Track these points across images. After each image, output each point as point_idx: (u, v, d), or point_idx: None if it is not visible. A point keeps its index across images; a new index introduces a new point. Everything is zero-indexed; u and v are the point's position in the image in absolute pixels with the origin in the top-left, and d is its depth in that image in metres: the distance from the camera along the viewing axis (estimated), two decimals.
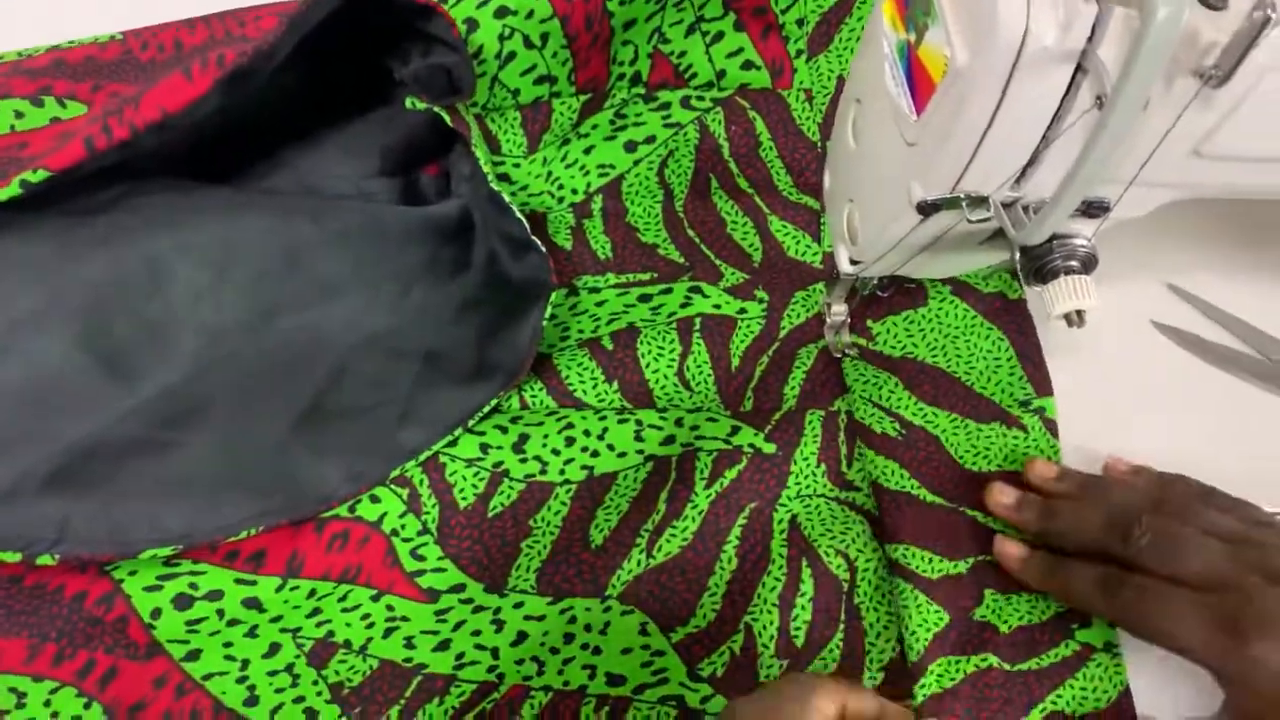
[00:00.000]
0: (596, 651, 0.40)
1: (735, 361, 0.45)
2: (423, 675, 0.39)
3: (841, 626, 0.41)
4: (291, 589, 0.39)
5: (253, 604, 0.38)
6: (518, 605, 0.40)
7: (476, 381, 0.43)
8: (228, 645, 0.38)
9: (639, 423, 0.43)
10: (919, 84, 0.30)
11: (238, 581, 0.38)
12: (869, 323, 0.46)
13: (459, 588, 0.40)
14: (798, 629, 0.40)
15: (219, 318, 0.39)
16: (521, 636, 0.40)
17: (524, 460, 0.42)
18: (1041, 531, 0.39)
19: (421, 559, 0.40)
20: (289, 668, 0.39)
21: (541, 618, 0.40)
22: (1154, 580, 0.34)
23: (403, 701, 0.39)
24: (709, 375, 0.45)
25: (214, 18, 0.47)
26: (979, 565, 0.40)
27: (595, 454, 0.42)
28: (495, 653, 0.40)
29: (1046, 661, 0.40)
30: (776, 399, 0.45)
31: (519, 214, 0.42)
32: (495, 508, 0.41)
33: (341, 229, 0.42)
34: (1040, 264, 0.33)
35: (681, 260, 0.47)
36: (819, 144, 0.48)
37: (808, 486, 0.43)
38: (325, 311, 0.41)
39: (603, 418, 0.43)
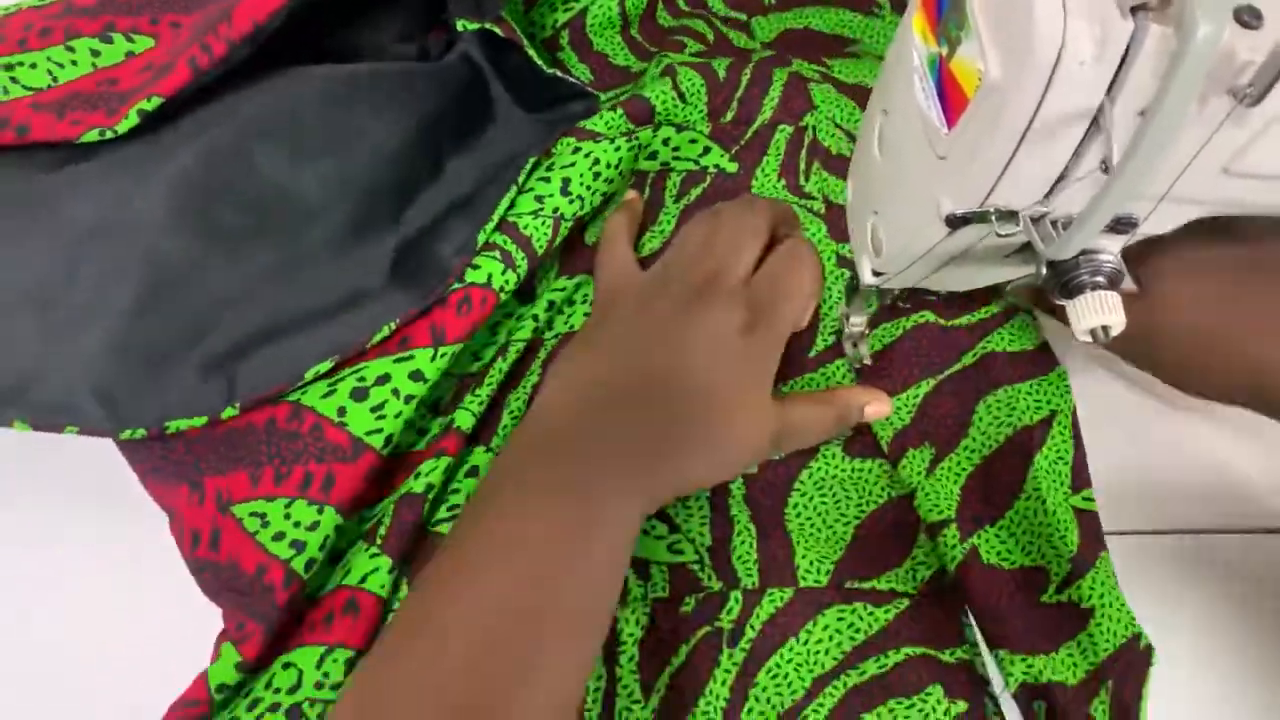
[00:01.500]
0: None
1: (721, 72, 0.51)
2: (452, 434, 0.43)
3: None
4: (442, 355, 0.42)
5: (417, 376, 0.41)
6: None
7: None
8: (410, 423, 0.43)
9: (638, 144, 0.49)
10: (950, 97, 0.30)
11: (396, 361, 0.41)
12: (825, 59, 0.54)
13: None
14: None
15: (300, 186, 0.44)
16: None
17: (570, 201, 0.46)
18: None
19: None
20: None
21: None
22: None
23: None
24: (700, 84, 0.51)
25: None
26: None
27: (610, 180, 0.48)
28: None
29: (978, 316, 0.47)
30: (755, 108, 0.51)
31: (555, 72, 0.48)
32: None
33: (386, 89, 0.46)
34: (1066, 279, 0.33)
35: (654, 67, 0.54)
36: None
37: (769, 194, 0.50)
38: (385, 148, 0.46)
39: (617, 147, 0.48)
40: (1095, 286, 0.33)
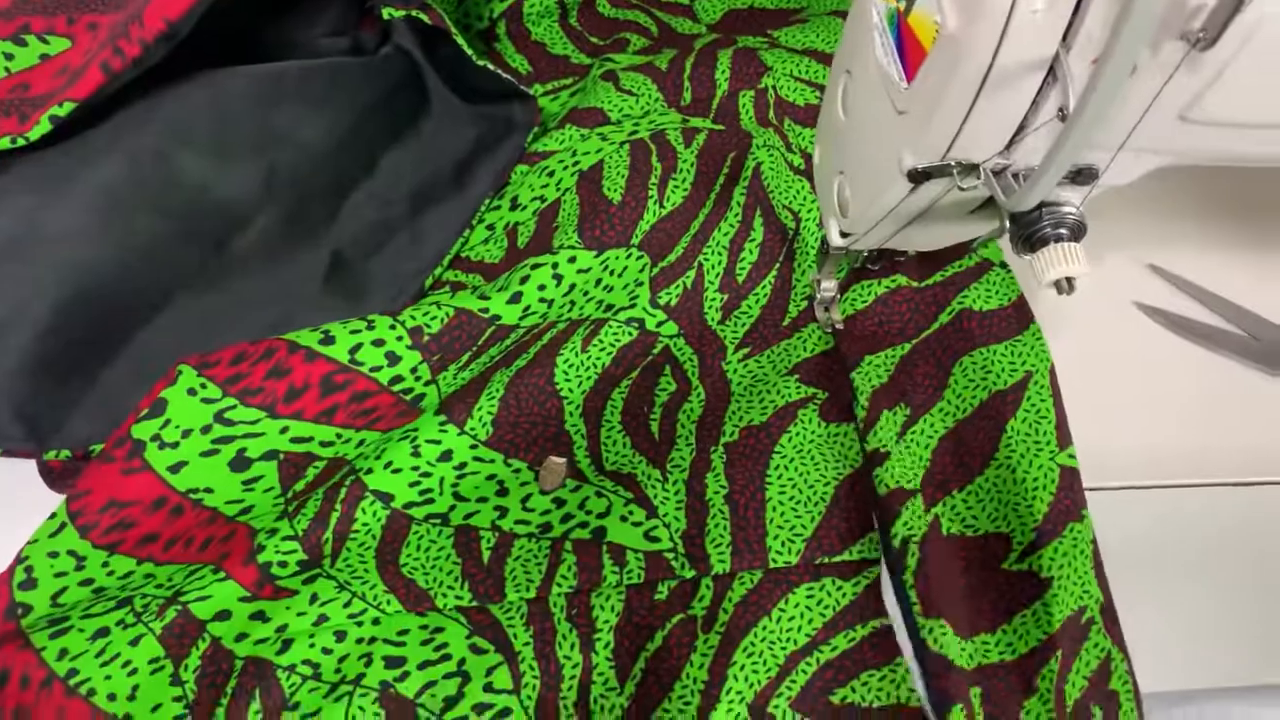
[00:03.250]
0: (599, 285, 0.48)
1: (663, 65, 0.53)
2: (495, 326, 0.44)
3: (777, 266, 0.50)
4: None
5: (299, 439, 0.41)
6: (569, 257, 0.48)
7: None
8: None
9: (603, 137, 0.51)
10: (909, 52, 0.30)
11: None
12: (770, 31, 0.55)
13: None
14: (742, 268, 0.50)
15: (226, 190, 0.43)
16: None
17: (519, 209, 0.50)
18: None
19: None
20: (369, 323, 0.42)
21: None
22: None
23: (474, 348, 0.43)
24: (644, 80, 0.53)
25: None
26: None
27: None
28: (550, 304, 0.46)
29: (950, 272, 0.49)
30: (710, 84, 0.52)
31: (487, 64, 0.48)
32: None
33: (315, 86, 0.46)
34: (1030, 231, 0.33)
35: (595, 64, 0.56)
36: None
37: (764, 142, 0.51)
38: (311, 157, 0.46)
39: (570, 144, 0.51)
40: (1058, 238, 0.33)
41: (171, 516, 0.37)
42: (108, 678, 0.38)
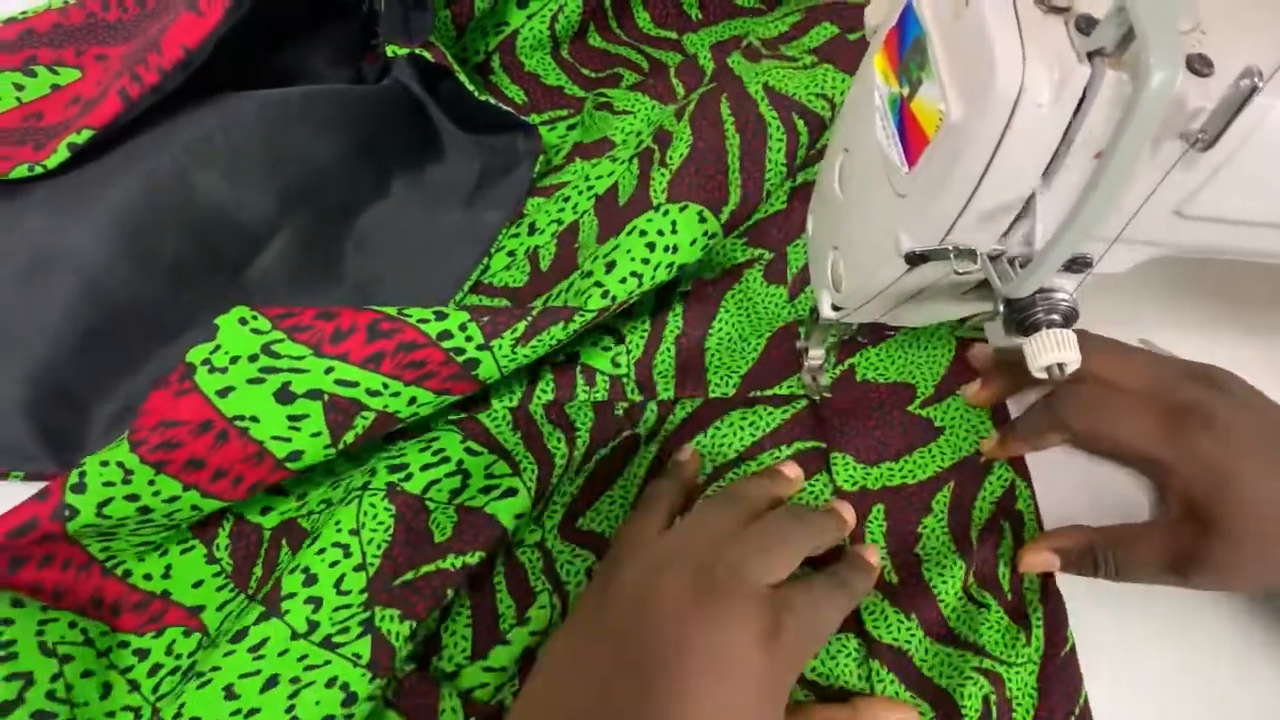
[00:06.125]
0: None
1: (651, 80, 0.56)
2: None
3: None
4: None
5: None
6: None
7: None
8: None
9: (613, 159, 0.52)
10: (911, 137, 0.30)
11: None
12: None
13: None
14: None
15: (242, 210, 0.44)
16: None
17: (537, 234, 0.51)
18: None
19: None
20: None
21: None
22: (1100, 388, 0.42)
23: (529, 319, 0.42)
24: (638, 96, 0.54)
25: None
26: None
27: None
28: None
29: None
30: (698, 72, 0.54)
31: (488, 98, 0.49)
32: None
33: (322, 108, 0.47)
34: (1023, 317, 0.33)
35: (589, 98, 0.56)
36: None
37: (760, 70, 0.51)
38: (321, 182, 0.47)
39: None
40: (1051, 324, 0.33)
41: (217, 442, 0.37)
42: (142, 560, 0.41)
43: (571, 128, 0.56)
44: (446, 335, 0.40)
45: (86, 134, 0.40)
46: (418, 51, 0.47)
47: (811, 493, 0.46)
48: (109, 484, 0.36)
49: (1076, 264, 0.33)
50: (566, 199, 0.51)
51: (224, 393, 0.37)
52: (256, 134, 0.44)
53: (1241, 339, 0.52)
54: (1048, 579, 0.44)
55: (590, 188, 0.51)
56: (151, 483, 0.37)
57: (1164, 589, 0.41)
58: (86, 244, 0.40)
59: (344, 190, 0.48)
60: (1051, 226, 0.28)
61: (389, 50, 0.47)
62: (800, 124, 0.48)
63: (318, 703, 0.35)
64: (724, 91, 0.49)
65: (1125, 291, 0.50)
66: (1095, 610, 0.45)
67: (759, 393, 0.48)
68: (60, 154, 0.40)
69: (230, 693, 0.36)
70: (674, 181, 0.46)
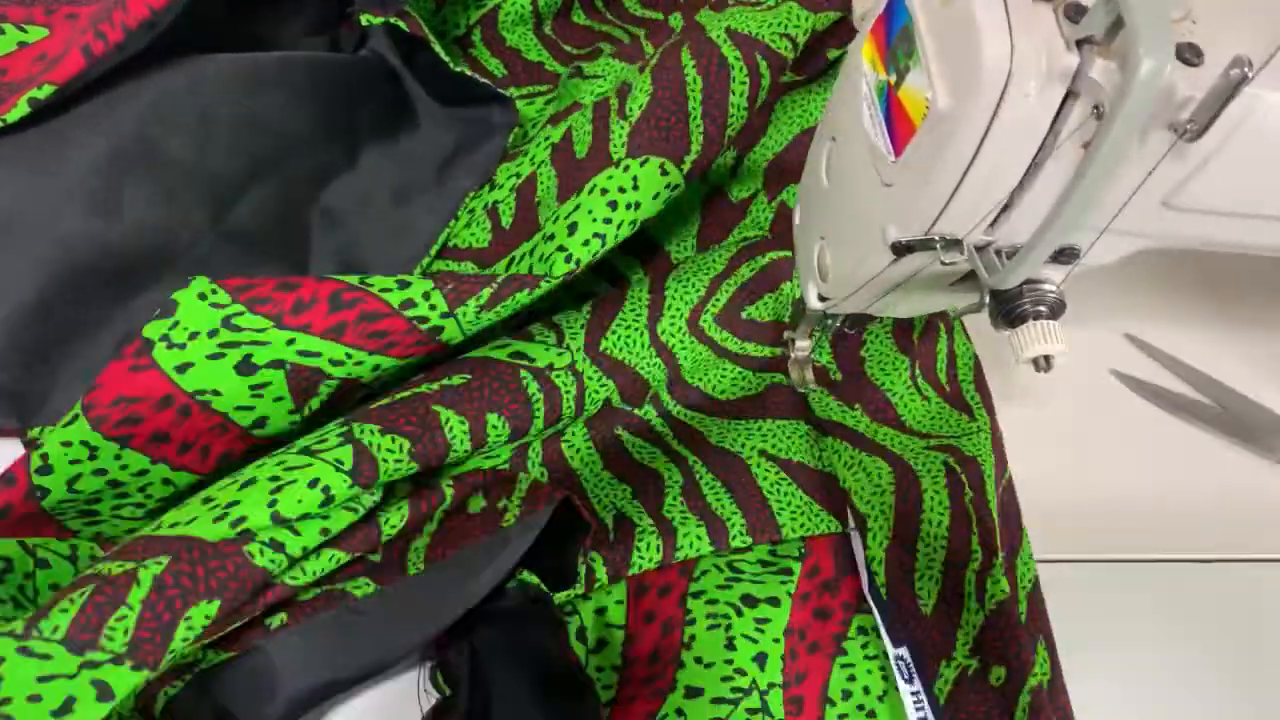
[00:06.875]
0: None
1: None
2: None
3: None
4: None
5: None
6: None
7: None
8: None
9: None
10: (898, 125, 0.30)
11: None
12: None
13: None
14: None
15: (213, 173, 0.44)
16: None
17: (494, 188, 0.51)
18: None
19: None
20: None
21: None
22: None
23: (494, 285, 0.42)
24: (609, 61, 0.54)
25: None
26: None
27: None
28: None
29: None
30: (667, 30, 0.54)
31: (464, 70, 0.48)
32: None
33: (293, 75, 0.46)
34: (1009, 308, 0.33)
35: (565, 71, 0.56)
36: None
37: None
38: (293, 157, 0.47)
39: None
40: (1037, 316, 0.33)
41: (180, 416, 0.37)
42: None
43: (550, 103, 0.55)
44: (409, 304, 0.39)
45: (48, 89, 0.39)
46: (393, 21, 0.47)
47: (778, 300, 0.49)
48: (75, 461, 0.36)
49: (1064, 255, 0.32)
50: (525, 153, 0.50)
51: (182, 368, 0.37)
52: (225, 97, 0.44)
53: (1228, 332, 0.52)
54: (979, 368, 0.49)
55: (547, 139, 0.50)
56: (118, 457, 0.37)
57: (1158, 590, 0.41)
58: (50, 201, 0.40)
59: (315, 159, 0.48)
60: (1039, 217, 0.28)
61: (363, 19, 0.47)
62: (764, 65, 0.46)
63: (299, 500, 0.35)
64: (686, 41, 0.47)
65: (1113, 284, 0.50)
66: (1095, 610, 0.44)
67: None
68: (20, 108, 0.39)
69: (207, 499, 0.36)
70: (634, 133, 0.45)
